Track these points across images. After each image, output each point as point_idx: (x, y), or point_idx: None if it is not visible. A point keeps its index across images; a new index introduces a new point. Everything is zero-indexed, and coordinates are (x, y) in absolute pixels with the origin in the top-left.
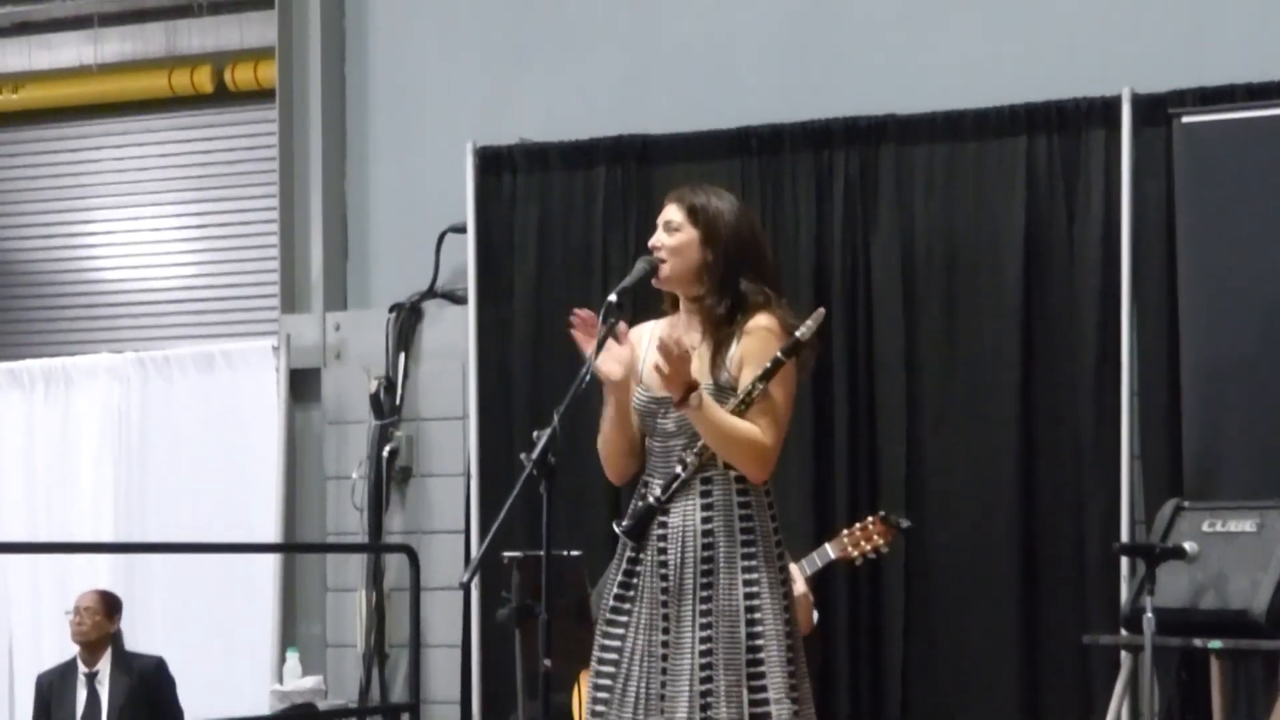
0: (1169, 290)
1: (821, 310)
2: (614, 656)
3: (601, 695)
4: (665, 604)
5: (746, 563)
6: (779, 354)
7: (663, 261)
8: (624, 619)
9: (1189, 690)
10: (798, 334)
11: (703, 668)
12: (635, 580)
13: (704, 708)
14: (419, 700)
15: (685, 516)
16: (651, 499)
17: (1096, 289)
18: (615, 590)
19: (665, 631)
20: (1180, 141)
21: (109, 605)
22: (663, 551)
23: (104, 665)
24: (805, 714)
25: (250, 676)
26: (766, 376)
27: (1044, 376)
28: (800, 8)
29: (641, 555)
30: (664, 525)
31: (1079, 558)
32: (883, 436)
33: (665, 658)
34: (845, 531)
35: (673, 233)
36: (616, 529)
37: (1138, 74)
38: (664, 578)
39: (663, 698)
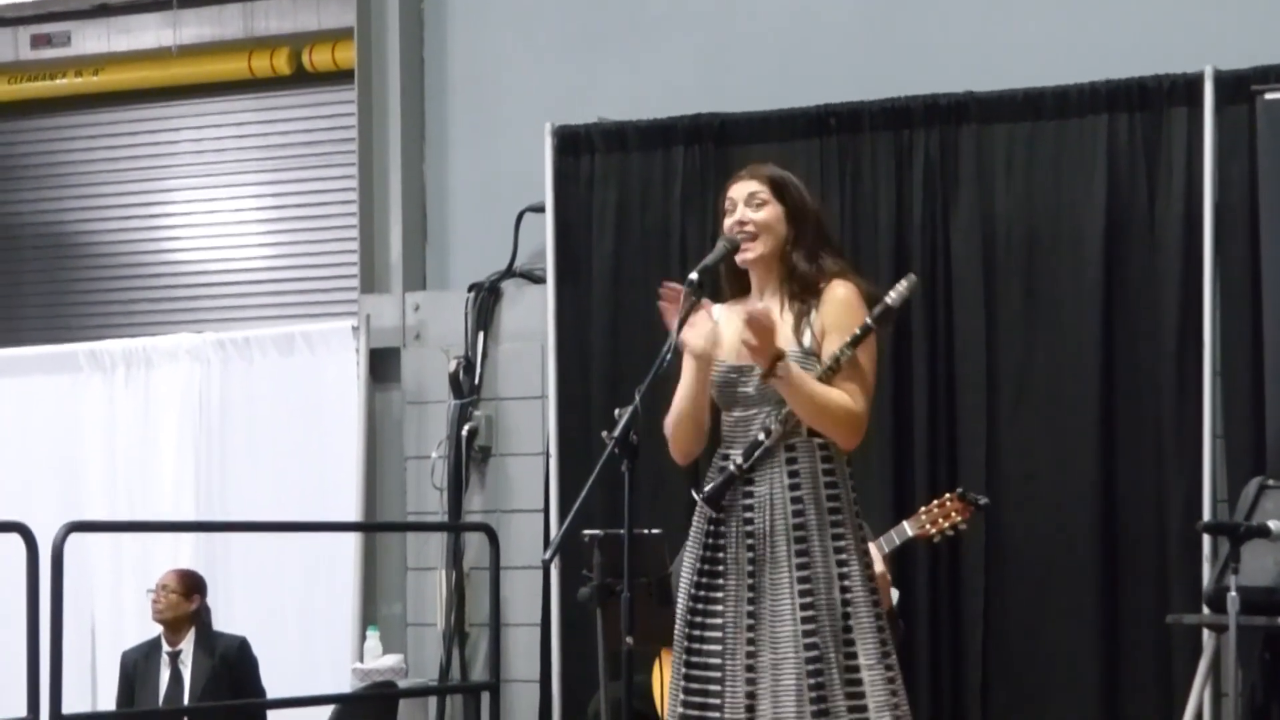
0: (1252, 269)
1: (913, 275)
2: (717, 634)
3: (713, 675)
4: (752, 574)
5: (835, 530)
6: (869, 320)
7: (753, 236)
8: (719, 594)
9: (1272, 670)
10: (888, 300)
11: (806, 634)
12: (722, 554)
13: (813, 674)
14: (499, 679)
15: (772, 485)
16: (733, 467)
17: (1178, 268)
18: (702, 566)
19: (751, 602)
20: (1264, 119)
21: (187, 585)
22: (749, 521)
23: (187, 645)
24: (898, 682)
25: (330, 655)
26: (855, 343)
27: (1125, 356)
28: None
29: (724, 527)
30: (750, 495)
31: (1160, 537)
32: (962, 416)
33: (751, 627)
34: (923, 509)
35: (759, 207)
36: (696, 496)
37: (1220, 51)
38: (751, 547)
39: (750, 668)
